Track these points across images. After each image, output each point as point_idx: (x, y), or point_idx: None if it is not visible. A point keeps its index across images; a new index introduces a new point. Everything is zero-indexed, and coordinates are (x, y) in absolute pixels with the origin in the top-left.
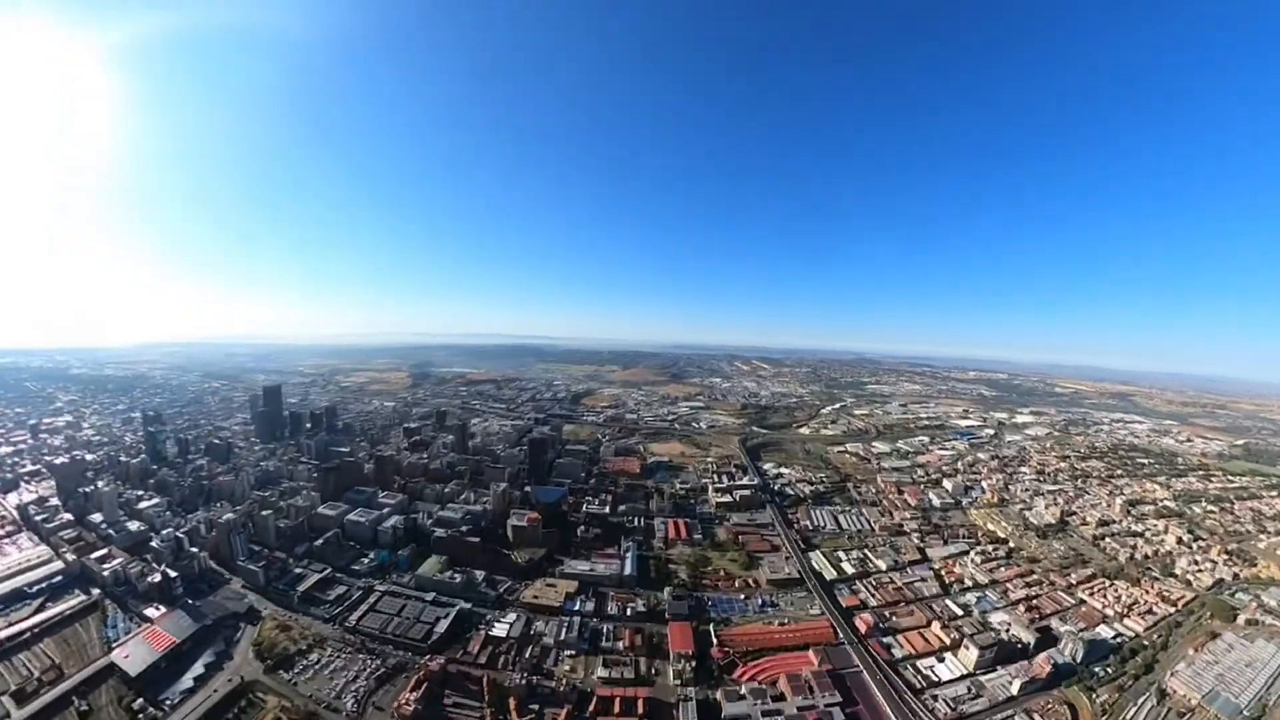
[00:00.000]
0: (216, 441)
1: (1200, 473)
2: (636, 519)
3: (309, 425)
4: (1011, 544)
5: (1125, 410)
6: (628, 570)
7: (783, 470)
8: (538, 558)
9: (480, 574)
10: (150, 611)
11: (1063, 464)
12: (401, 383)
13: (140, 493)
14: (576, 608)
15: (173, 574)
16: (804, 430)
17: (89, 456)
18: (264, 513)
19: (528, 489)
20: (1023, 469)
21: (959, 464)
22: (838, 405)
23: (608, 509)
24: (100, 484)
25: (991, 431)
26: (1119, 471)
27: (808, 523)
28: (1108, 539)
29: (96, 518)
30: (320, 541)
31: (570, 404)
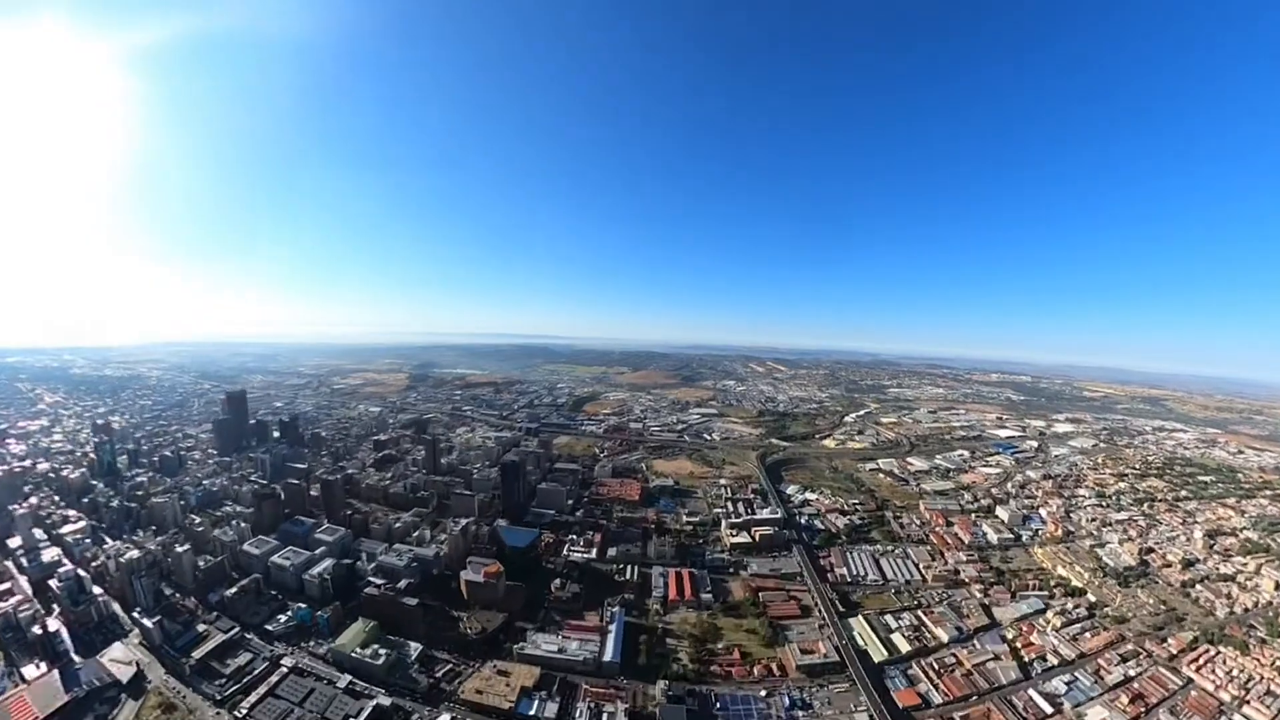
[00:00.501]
0: (168, 454)
1: (1268, 492)
2: (629, 569)
3: (277, 435)
4: (1091, 596)
5: (1160, 416)
6: (609, 654)
7: (809, 495)
8: (494, 626)
9: (415, 649)
10: (30, 669)
11: (1122, 484)
12: (397, 385)
13: (70, 513)
14: (533, 711)
15: (53, 626)
16: (828, 442)
17: (40, 466)
18: (181, 548)
19: (500, 523)
20: (1080, 491)
21: (1009, 485)
22: (862, 412)
23: (594, 552)
24: (32, 501)
25: (1034, 443)
26: (1184, 492)
27: (844, 570)
28: (1198, 585)
29: (15, 542)
30: (234, 590)
31: (570, 411)
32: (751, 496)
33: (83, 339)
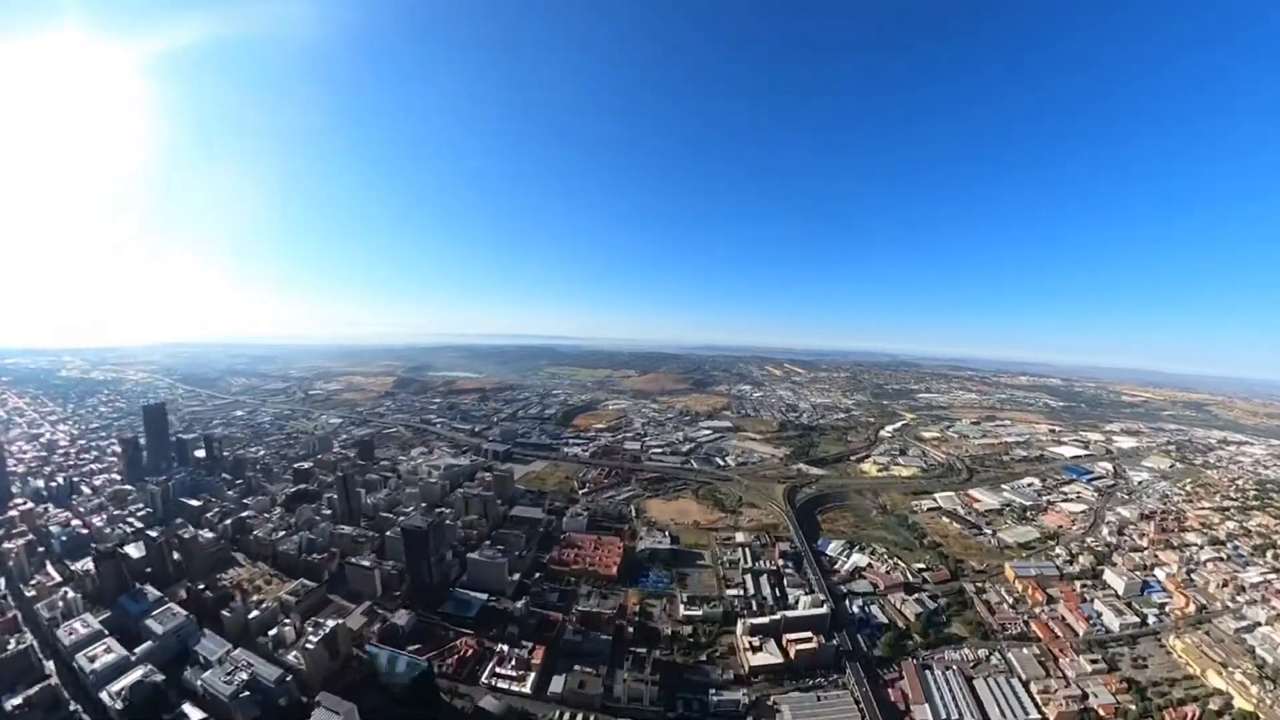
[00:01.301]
0: (59, 481)
1: None
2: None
3: (200, 455)
4: None
5: (1213, 424)
6: None
7: (858, 558)
8: None
9: None
10: None
11: (1230, 523)
12: (378, 390)
13: None
14: None
15: None
16: (868, 466)
17: None
18: None
19: (402, 614)
20: (1188, 536)
21: (1104, 531)
22: (899, 424)
23: (529, 682)
24: None
25: (1108, 466)
26: None
27: (927, 713)
28: None
29: None
30: (19, 700)
31: (557, 425)
32: (780, 564)
33: (85, 340)
